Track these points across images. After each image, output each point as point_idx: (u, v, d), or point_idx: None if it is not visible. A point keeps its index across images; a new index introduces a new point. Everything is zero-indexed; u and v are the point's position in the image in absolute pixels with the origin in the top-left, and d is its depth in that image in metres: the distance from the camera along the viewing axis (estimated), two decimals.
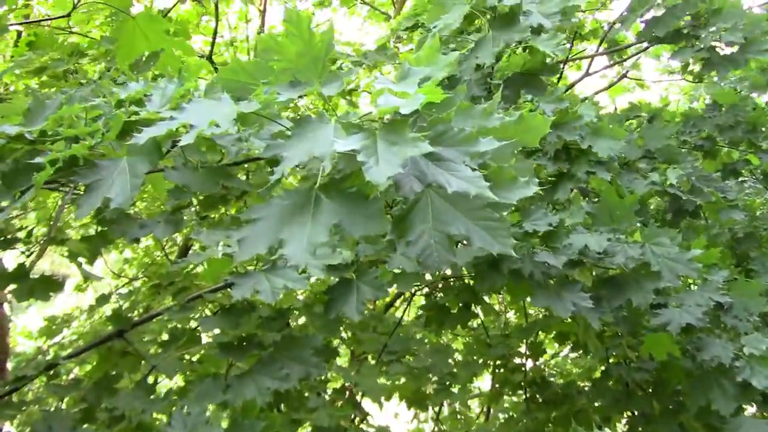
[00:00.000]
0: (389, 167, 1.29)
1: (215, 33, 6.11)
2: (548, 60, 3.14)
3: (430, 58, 1.64)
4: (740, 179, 5.25)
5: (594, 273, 3.23)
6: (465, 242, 1.71)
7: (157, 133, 1.50)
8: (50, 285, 2.96)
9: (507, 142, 1.45)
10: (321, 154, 1.39)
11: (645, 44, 4.82)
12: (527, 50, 3.12)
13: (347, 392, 4.62)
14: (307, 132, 1.47)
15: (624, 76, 7.22)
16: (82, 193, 1.79)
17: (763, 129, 4.80)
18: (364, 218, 1.44)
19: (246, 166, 3.21)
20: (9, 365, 6.41)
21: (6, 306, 6.43)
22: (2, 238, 2.92)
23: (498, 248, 1.43)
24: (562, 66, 4.31)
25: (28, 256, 3.23)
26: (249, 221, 1.44)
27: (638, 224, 3.13)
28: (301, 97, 1.63)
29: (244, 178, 3.51)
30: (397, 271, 3.12)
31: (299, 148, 1.42)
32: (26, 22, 4.22)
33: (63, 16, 3.48)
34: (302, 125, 1.49)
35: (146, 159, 1.65)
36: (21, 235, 3.68)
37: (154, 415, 3.18)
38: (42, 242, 4.12)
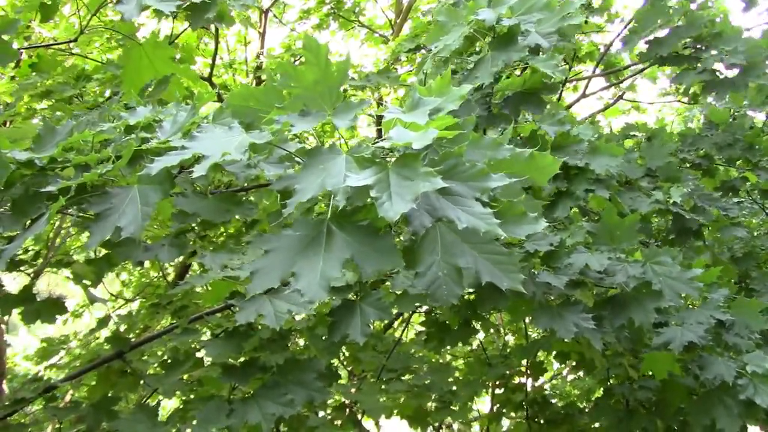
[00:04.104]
0: (402, 203, 1.29)
1: (215, 55, 6.15)
2: (547, 80, 3.17)
3: (441, 88, 1.65)
4: (738, 200, 5.29)
5: (595, 292, 3.24)
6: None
7: (170, 163, 1.51)
8: (56, 307, 2.97)
9: (517, 179, 1.46)
10: (333, 188, 1.39)
11: (641, 66, 4.88)
12: (528, 70, 3.15)
13: (347, 410, 4.61)
14: (318, 164, 1.47)
15: (620, 97, 7.29)
16: (87, 217, 1.79)
17: (760, 147, 4.84)
18: (377, 253, 1.44)
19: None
20: (5, 386, 6.36)
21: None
22: (8, 260, 2.92)
23: (507, 284, 1.44)
24: (561, 86, 4.34)
25: (30, 277, 3.22)
26: (261, 253, 1.44)
27: (638, 244, 3.15)
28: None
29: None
30: (398, 291, 3.13)
31: (311, 181, 1.43)
32: (30, 47, 4.24)
33: (69, 41, 3.49)
34: (313, 156, 1.50)
35: (158, 188, 1.66)
36: (22, 252, 3.68)
37: None
38: (42, 263, 4.11)
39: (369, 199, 1.33)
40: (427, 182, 1.32)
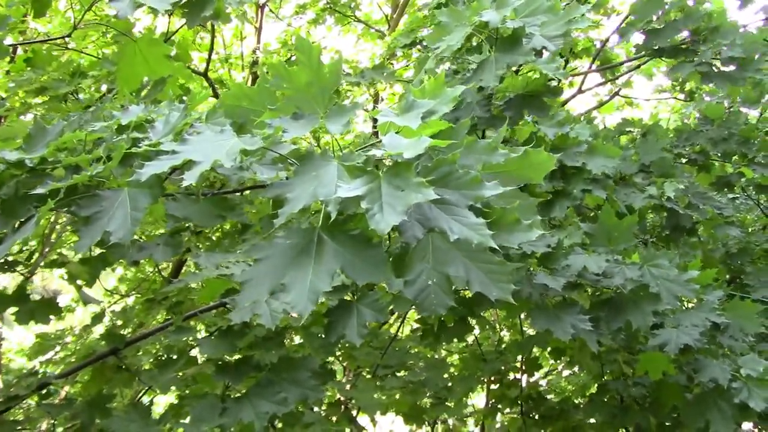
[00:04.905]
0: (393, 215, 1.27)
1: (211, 50, 6.11)
2: (550, 81, 3.15)
3: (435, 90, 1.63)
4: (732, 196, 5.29)
5: (589, 292, 3.24)
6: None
7: (160, 169, 1.48)
8: (50, 307, 2.95)
9: (511, 187, 1.44)
10: (325, 197, 1.37)
11: (637, 61, 4.86)
12: (528, 71, 3.12)
13: (342, 407, 4.61)
14: (310, 171, 1.45)
15: (616, 93, 7.27)
16: (79, 218, 1.77)
17: (756, 142, 4.84)
18: (368, 265, 1.42)
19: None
20: (0, 381, 6.35)
21: None
22: (2, 260, 2.90)
23: (497, 294, 1.42)
24: (562, 89, 4.32)
25: (25, 276, 3.19)
26: (251, 261, 1.42)
27: (637, 243, 3.14)
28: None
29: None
30: (395, 292, 3.11)
31: (303, 189, 1.40)
32: (25, 43, 4.20)
33: (63, 37, 3.46)
34: (305, 163, 1.48)
35: (148, 192, 1.64)
36: (16, 252, 3.66)
37: None
38: (37, 259, 4.09)
39: (361, 209, 1.31)
40: (419, 193, 1.30)
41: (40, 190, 1.70)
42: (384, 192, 1.33)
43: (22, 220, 1.84)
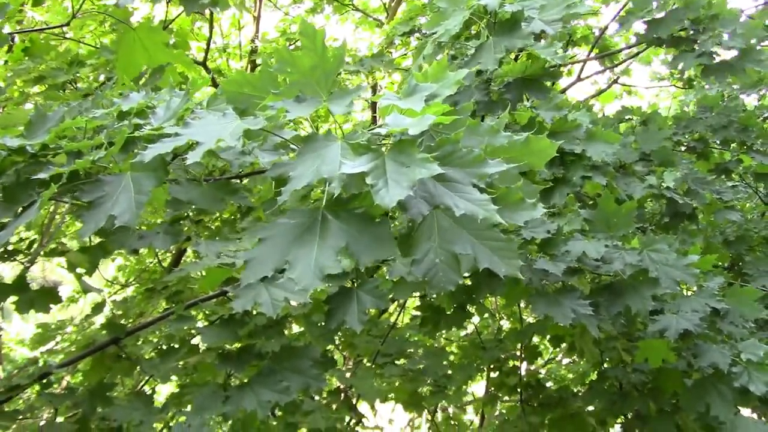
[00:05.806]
0: (398, 190, 1.27)
1: (209, 39, 6.09)
2: (549, 66, 3.14)
3: (437, 74, 1.63)
4: (731, 184, 5.29)
5: (589, 278, 3.24)
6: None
7: (164, 151, 1.48)
8: (50, 296, 2.95)
9: (514, 164, 1.44)
10: (329, 174, 1.37)
11: (636, 49, 4.85)
12: (526, 56, 3.11)
13: (342, 395, 4.63)
14: (313, 150, 1.45)
15: (615, 81, 7.27)
16: (81, 204, 1.77)
17: (754, 129, 4.84)
18: (373, 242, 1.42)
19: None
20: (0, 372, 6.36)
21: None
22: (2, 249, 2.90)
23: (505, 270, 1.41)
24: (561, 73, 4.29)
25: (25, 266, 3.19)
26: (256, 241, 1.41)
27: (636, 230, 3.14)
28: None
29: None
30: (395, 279, 3.12)
31: (306, 168, 1.40)
32: (23, 31, 4.18)
33: (61, 26, 3.45)
34: (308, 143, 1.48)
35: (152, 175, 1.64)
36: (16, 241, 3.66)
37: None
38: (36, 249, 4.09)
39: (365, 187, 1.31)
40: (424, 168, 1.30)
41: (42, 175, 1.70)
42: (389, 168, 1.33)
43: (25, 205, 1.84)
